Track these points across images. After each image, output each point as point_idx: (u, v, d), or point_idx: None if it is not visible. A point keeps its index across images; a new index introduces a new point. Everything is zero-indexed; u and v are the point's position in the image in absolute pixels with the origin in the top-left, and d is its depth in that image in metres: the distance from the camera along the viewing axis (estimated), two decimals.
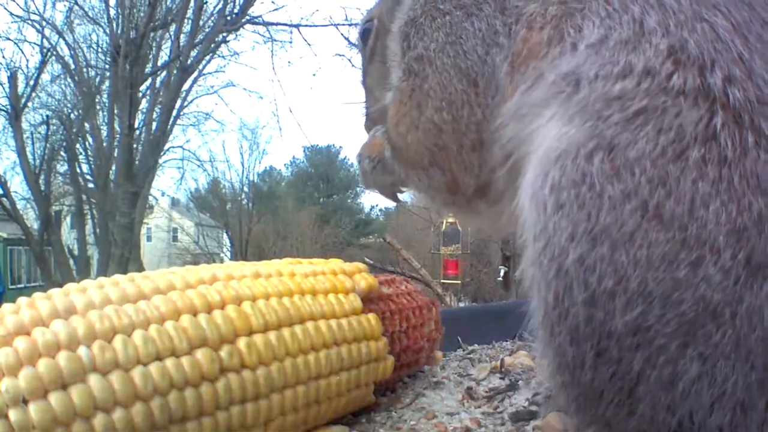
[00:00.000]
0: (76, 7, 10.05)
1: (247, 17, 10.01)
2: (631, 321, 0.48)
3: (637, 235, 0.47)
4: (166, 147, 11.25)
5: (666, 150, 0.48)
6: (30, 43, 10.40)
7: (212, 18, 9.88)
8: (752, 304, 0.46)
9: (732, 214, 0.46)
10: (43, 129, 10.47)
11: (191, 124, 13.35)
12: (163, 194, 16.91)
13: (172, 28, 9.64)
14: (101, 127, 10.94)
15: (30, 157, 10.05)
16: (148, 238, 19.40)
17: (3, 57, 10.16)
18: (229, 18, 9.73)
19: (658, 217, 0.47)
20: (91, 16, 10.29)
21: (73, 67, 10.69)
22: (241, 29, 10.20)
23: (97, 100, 10.75)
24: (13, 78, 9.95)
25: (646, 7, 0.54)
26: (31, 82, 10.28)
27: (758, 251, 0.46)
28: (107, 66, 9.73)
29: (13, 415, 0.49)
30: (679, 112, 0.49)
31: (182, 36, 9.57)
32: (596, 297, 0.48)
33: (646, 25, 0.53)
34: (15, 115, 9.74)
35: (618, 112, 0.50)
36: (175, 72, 9.52)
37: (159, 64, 10.05)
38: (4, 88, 10.03)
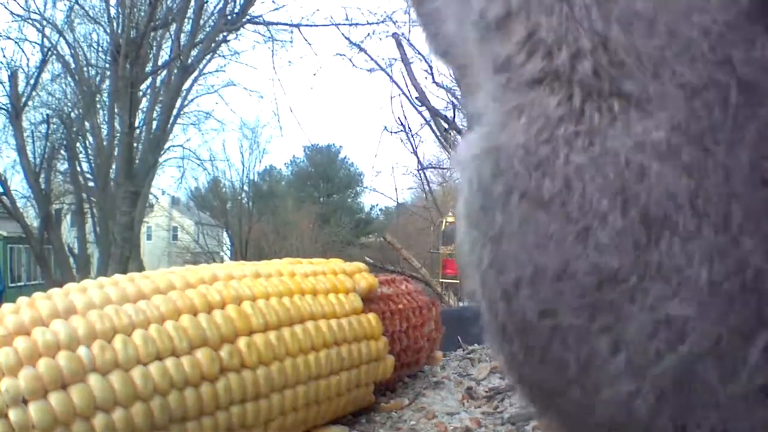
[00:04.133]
0: (76, 7, 10.04)
1: (248, 17, 10.00)
2: (535, 305, 0.48)
3: (524, 221, 0.48)
4: (166, 146, 11.23)
5: (538, 136, 0.49)
6: (30, 42, 10.37)
7: (213, 17, 9.87)
8: (664, 262, 0.45)
9: (610, 177, 0.46)
10: (43, 128, 10.46)
11: (191, 123, 13.32)
12: (163, 193, 16.87)
13: (173, 27, 9.63)
14: (101, 126, 10.92)
15: (30, 155, 10.03)
16: (149, 237, 19.38)
17: (3, 56, 10.14)
18: (229, 17, 9.72)
19: (539, 199, 0.48)
20: (91, 15, 10.27)
21: (73, 66, 10.67)
22: (242, 29, 10.19)
23: (97, 99, 10.73)
24: (13, 77, 9.93)
25: None
26: (32, 81, 10.26)
27: (652, 206, 0.45)
28: (107, 65, 9.72)
29: (13, 415, 0.49)
30: (540, 101, 0.49)
31: (183, 35, 9.55)
32: (509, 292, 0.49)
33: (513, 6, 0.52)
34: (15, 113, 9.73)
35: (499, 114, 0.51)
36: (175, 71, 9.51)
37: (159, 63, 10.04)
38: (4, 87, 10.01)
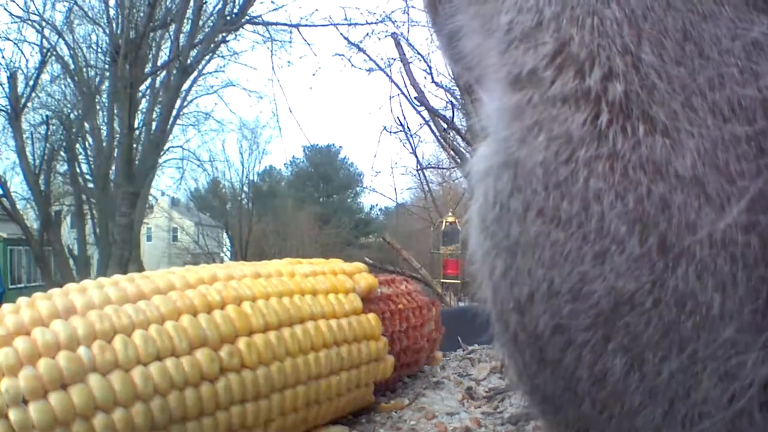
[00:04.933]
0: (75, 8, 10.05)
1: (247, 17, 10.00)
2: (549, 321, 0.48)
3: (540, 238, 0.48)
4: (165, 147, 11.25)
5: (558, 155, 0.48)
6: (30, 43, 10.38)
7: (212, 18, 9.87)
8: (680, 288, 0.45)
9: (629, 204, 0.46)
10: (42, 129, 10.45)
11: (191, 124, 13.36)
12: (162, 194, 16.92)
13: (172, 28, 9.63)
14: (101, 127, 10.94)
15: (30, 157, 10.03)
16: (148, 238, 19.40)
17: (3, 57, 10.14)
18: (228, 18, 9.72)
19: (557, 219, 0.48)
20: (90, 16, 10.28)
21: (72, 67, 10.68)
22: (241, 29, 10.20)
23: (96, 100, 10.74)
24: (12, 78, 9.93)
25: None
26: (31, 83, 10.26)
27: (671, 235, 0.45)
28: (107, 66, 9.72)
29: (13, 415, 0.49)
30: (565, 119, 0.49)
31: (182, 36, 9.56)
32: (522, 305, 0.50)
33: (544, 16, 0.51)
34: (15, 115, 9.73)
35: (518, 130, 0.50)
36: (174, 72, 9.52)
37: (158, 64, 10.05)
38: (3, 89, 10.01)
